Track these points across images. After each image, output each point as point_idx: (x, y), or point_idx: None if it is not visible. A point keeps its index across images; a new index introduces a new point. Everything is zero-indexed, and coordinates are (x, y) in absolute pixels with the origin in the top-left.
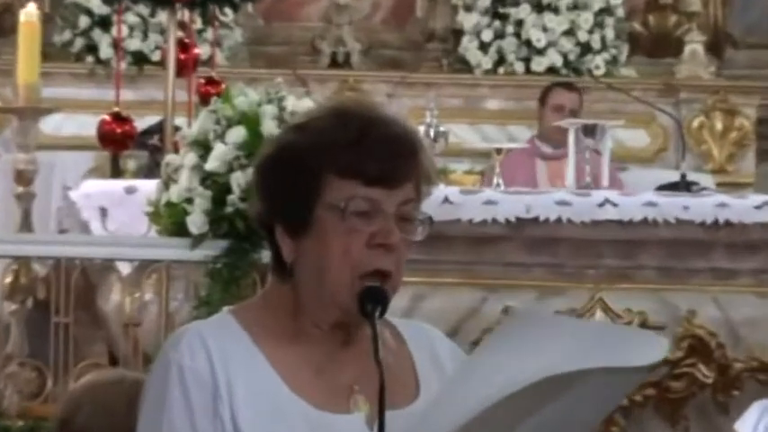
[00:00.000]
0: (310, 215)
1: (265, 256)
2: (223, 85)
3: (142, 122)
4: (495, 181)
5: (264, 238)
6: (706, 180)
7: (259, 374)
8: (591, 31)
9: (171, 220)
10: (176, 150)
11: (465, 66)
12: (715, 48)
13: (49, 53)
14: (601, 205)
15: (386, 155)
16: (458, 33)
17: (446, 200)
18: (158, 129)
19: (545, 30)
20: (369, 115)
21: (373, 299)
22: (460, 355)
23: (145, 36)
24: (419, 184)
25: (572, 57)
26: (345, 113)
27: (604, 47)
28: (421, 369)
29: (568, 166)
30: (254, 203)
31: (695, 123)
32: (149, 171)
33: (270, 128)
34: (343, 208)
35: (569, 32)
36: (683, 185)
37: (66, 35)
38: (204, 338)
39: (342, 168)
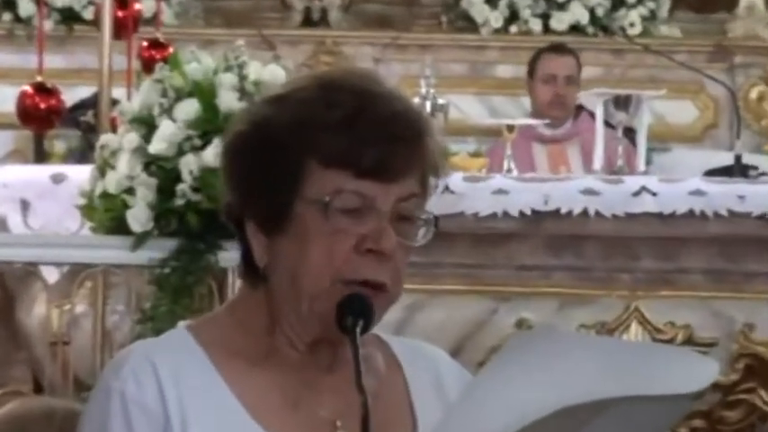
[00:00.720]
0: (287, 210)
1: (224, 258)
2: (170, 49)
3: (72, 95)
4: (505, 165)
5: (231, 234)
6: (766, 163)
7: (221, 407)
8: None
9: (108, 214)
10: (114, 129)
11: (469, 24)
12: None
13: None
14: (636, 194)
15: (383, 139)
16: None
17: (446, 189)
18: (92, 103)
19: None
20: (364, 89)
21: (354, 310)
22: (468, 376)
23: None
24: (424, 177)
25: (600, 12)
26: (335, 85)
27: None
28: (419, 400)
29: (596, 147)
30: (224, 192)
31: (753, 94)
32: (81, 155)
33: (228, 101)
34: (326, 203)
35: None
36: (738, 170)
37: None
38: (153, 362)
39: (328, 155)
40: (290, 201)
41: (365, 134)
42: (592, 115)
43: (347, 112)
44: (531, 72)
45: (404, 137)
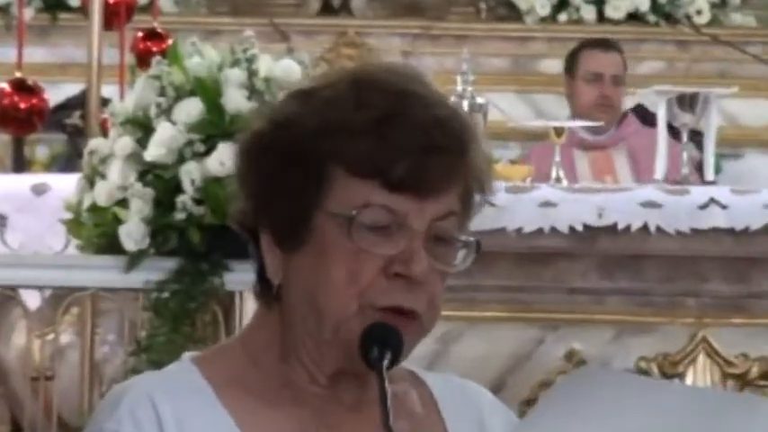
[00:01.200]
0: (307, 222)
1: (231, 280)
2: (169, 41)
3: (56, 93)
4: (553, 174)
5: (239, 252)
6: None
7: None
8: None
9: (97, 230)
10: (104, 133)
11: (512, 12)
12: None
13: None
14: (704, 207)
15: (418, 148)
16: None
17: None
18: (79, 102)
19: None
20: (401, 89)
21: (380, 340)
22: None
23: None
24: (467, 193)
25: None
26: (367, 83)
27: None
28: None
29: (658, 153)
30: (237, 198)
31: None
32: (67, 162)
33: (235, 101)
34: (351, 218)
35: None
36: None
37: None
38: (154, 400)
39: (354, 162)
40: (310, 212)
41: (398, 141)
42: (640, 117)
43: (379, 114)
44: (571, 69)
45: (443, 146)
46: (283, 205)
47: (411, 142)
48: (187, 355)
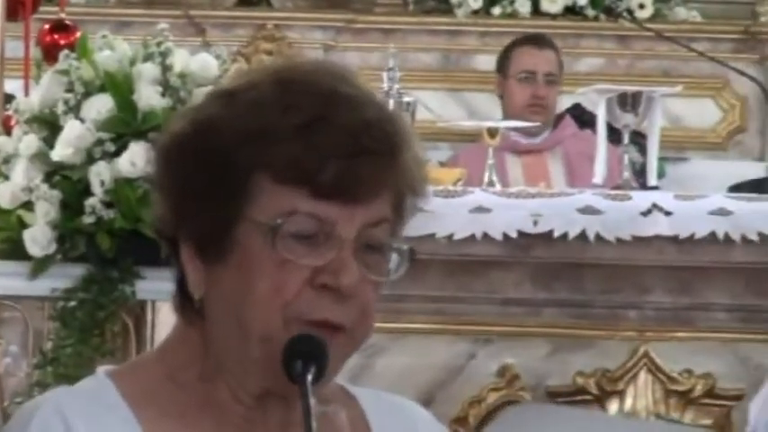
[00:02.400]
0: (230, 232)
1: (143, 289)
2: (78, 33)
3: None
4: (486, 177)
5: (150, 259)
6: None
7: None
8: None
9: (0, 235)
10: (8, 131)
11: (442, 4)
12: None
13: None
14: (646, 213)
15: (346, 153)
16: None
17: None
18: None
19: None
20: (330, 90)
21: (305, 353)
22: None
23: None
24: (399, 198)
25: None
26: (294, 83)
27: None
28: None
29: (597, 156)
30: (155, 204)
31: None
32: None
33: (148, 97)
34: (275, 227)
35: None
36: None
37: None
38: (66, 419)
39: (279, 168)
40: (232, 222)
41: (325, 145)
42: (578, 117)
43: (305, 118)
44: (503, 68)
45: (372, 150)
46: (204, 214)
47: (338, 147)
48: (102, 370)
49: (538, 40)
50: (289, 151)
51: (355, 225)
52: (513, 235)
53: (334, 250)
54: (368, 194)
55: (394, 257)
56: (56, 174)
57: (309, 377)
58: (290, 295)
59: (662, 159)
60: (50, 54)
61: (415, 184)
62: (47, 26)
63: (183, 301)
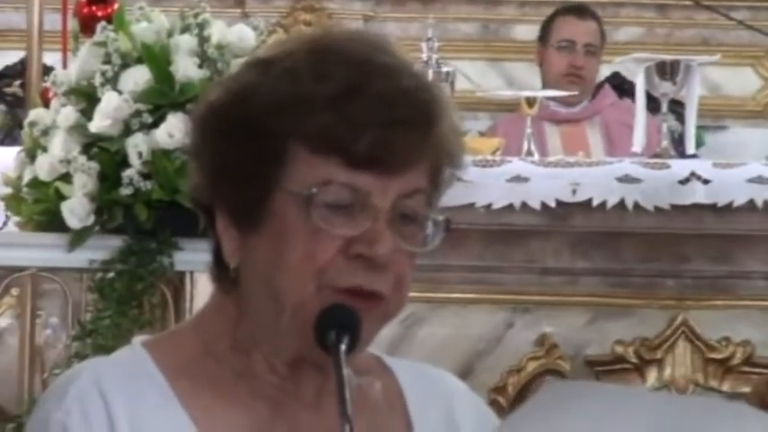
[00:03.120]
0: (264, 202)
1: (181, 260)
2: (115, 5)
3: None
4: (524, 147)
5: (190, 230)
6: None
7: None
8: None
9: (38, 207)
10: (46, 103)
11: None
12: None
13: None
14: (685, 182)
15: (382, 122)
16: None
17: None
18: (19, 71)
19: None
20: (364, 59)
21: (338, 323)
22: (491, 423)
23: None
24: (436, 168)
25: None
26: (329, 53)
27: None
28: None
29: (636, 124)
30: (192, 173)
31: None
32: (5, 134)
33: (186, 69)
34: (310, 197)
35: None
36: None
37: None
38: (103, 389)
39: (314, 138)
40: (267, 191)
41: (360, 115)
42: (617, 86)
43: (340, 87)
44: (544, 37)
45: (408, 120)
46: (240, 183)
47: (373, 116)
48: (138, 340)
49: (580, 11)
50: (323, 121)
51: (390, 195)
52: (552, 204)
53: (368, 220)
54: (403, 164)
55: (429, 228)
56: (93, 145)
57: (343, 347)
58: (322, 263)
59: (700, 128)
60: (88, 26)
61: (452, 154)
62: None
63: (219, 270)
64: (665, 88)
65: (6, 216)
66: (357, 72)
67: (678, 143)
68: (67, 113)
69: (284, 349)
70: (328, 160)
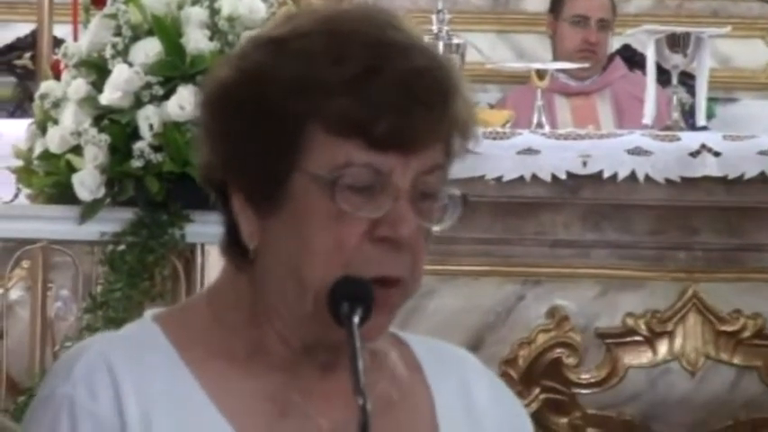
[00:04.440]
0: (284, 184)
1: (192, 232)
2: None
3: (5, 33)
4: (534, 119)
5: (201, 202)
6: None
7: (196, 418)
8: None
9: (49, 179)
10: (57, 76)
11: None
12: None
13: None
14: (695, 154)
15: (401, 103)
16: None
17: None
18: (30, 43)
19: None
20: (379, 39)
21: (350, 295)
22: (506, 398)
23: None
24: (451, 142)
25: None
26: (344, 34)
27: None
28: (444, 415)
29: (647, 97)
30: (202, 150)
31: None
32: (16, 106)
33: (196, 41)
34: (332, 180)
35: None
36: None
37: None
38: (111, 363)
39: (334, 120)
40: (286, 174)
41: (378, 97)
42: (627, 59)
43: (358, 69)
44: (556, 9)
45: (426, 100)
46: (257, 166)
47: (391, 98)
48: (149, 313)
49: None
50: (342, 103)
51: (410, 174)
52: (562, 176)
53: (390, 200)
54: (422, 143)
55: (446, 203)
56: (104, 118)
57: (356, 319)
58: (349, 250)
59: (711, 100)
60: None
61: (465, 127)
62: None
63: (233, 248)
64: (675, 60)
65: (18, 188)
66: (373, 54)
67: (689, 115)
68: (78, 86)
69: (303, 331)
70: (348, 142)
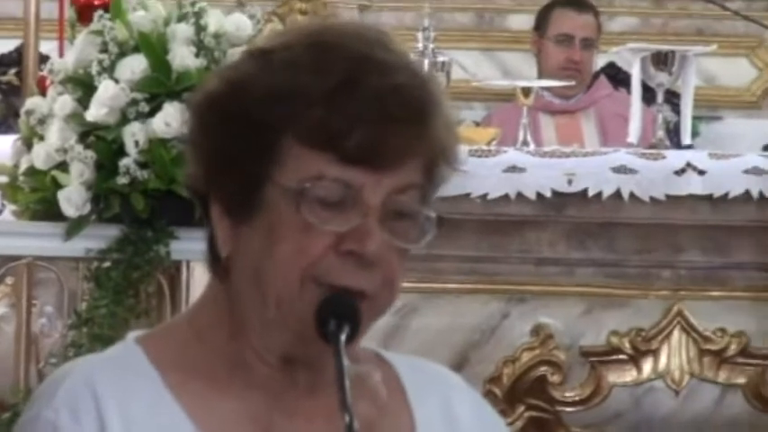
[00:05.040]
0: (258, 193)
1: (177, 249)
2: None
3: None
4: (520, 136)
5: (186, 219)
6: None
7: None
8: None
9: (35, 195)
10: (42, 92)
11: None
12: None
13: None
14: (680, 172)
15: (375, 118)
16: None
17: None
18: (15, 59)
19: None
20: (361, 54)
21: (338, 312)
22: (489, 417)
23: None
24: (431, 164)
25: None
26: (327, 46)
27: None
28: None
29: (632, 115)
30: (189, 161)
31: None
32: (2, 122)
33: (182, 57)
34: (302, 192)
35: None
36: None
37: None
38: (94, 387)
39: (308, 132)
40: (260, 182)
41: (354, 110)
42: (612, 77)
43: (335, 82)
44: (541, 27)
45: (400, 117)
46: (234, 173)
47: (365, 112)
48: (132, 335)
49: (578, 4)
50: (317, 115)
51: (382, 191)
52: (547, 194)
53: (359, 216)
54: (395, 161)
55: (422, 224)
56: (90, 134)
57: (343, 337)
58: (312, 258)
59: (696, 118)
60: (85, 15)
61: (446, 150)
62: None
63: (214, 259)
64: (660, 78)
65: (3, 205)
66: (353, 67)
67: (673, 134)
68: (64, 102)
69: (270, 341)
70: (320, 155)
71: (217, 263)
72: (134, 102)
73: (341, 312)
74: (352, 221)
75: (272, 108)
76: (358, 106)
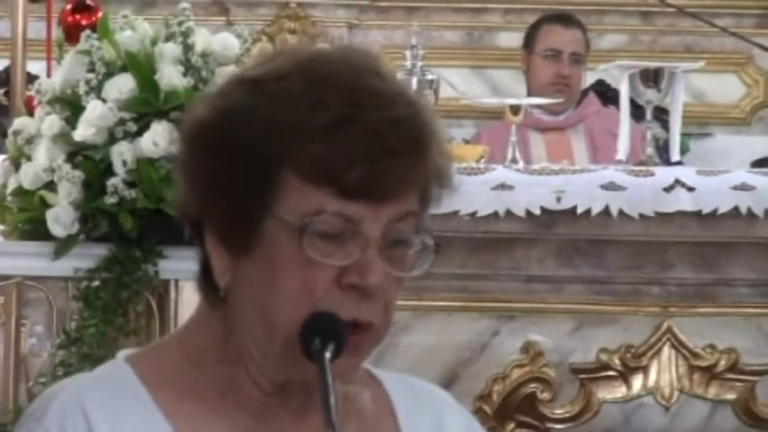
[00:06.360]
0: (257, 227)
1: (166, 268)
2: (99, 13)
3: None
4: (509, 154)
5: (174, 239)
6: None
7: None
8: None
9: (23, 215)
10: (30, 112)
11: None
12: None
13: None
14: (669, 189)
15: (374, 153)
16: None
17: None
18: (3, 79)
19: None
20: (357, 86)
21: (322, 330)
22: None
23: None
24: (426, 191)
25: None
26: (323, 78)
27: None
28: None
29: (620, 132)
30: (178, 186)
31: None
32: None
33: (170, 77)
34: (301, 228)
35: None
36: None
37: None
38: (84, 406)
39: (308, 167)
40: (259, 217)
41: (353, 146)
42: (601, 94)
43: (332, 116)
44: (529, 44)
45: (398, 151)
46: (231, 206)
47: (364, 147)
48: (122, 354)
49: (566, 19)
50: (316, 150)
51: (381, 223)
52: (537, 212)
53: (359, 249)
54: (394, 193)
55: (419, 250)
56: (78, 154)
57: (328, 354)
58: (317, 295)
59: (685, 135)
60: (72, 34)
61: (441, 176)
62: (68, 6)
63: (207, 285)
64: (649, 95)
65: None
66: (348, 100)
67: (662, 150)
68: (52, 122)
69: (273, 372)
70: (320, 189)
71: (210, 290)
72: (122, 121)
73: (325, 330)
74: (353, 255)
75: (272, 142)
76: (356, 141)
